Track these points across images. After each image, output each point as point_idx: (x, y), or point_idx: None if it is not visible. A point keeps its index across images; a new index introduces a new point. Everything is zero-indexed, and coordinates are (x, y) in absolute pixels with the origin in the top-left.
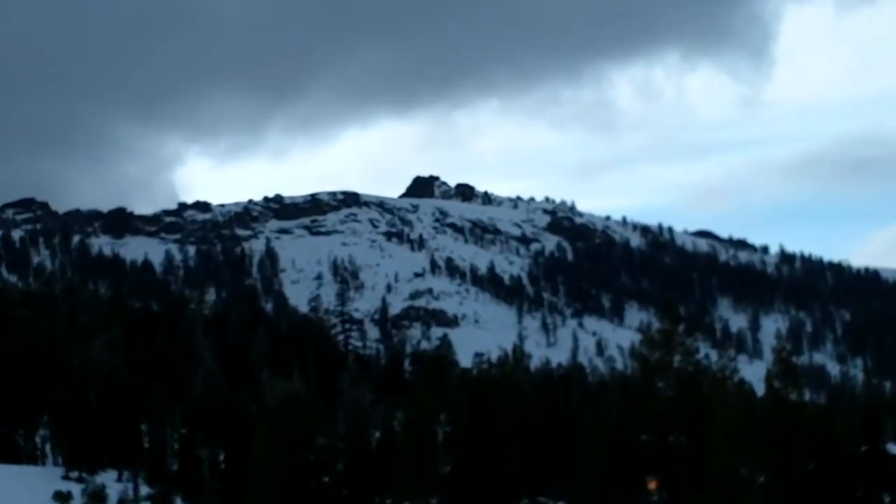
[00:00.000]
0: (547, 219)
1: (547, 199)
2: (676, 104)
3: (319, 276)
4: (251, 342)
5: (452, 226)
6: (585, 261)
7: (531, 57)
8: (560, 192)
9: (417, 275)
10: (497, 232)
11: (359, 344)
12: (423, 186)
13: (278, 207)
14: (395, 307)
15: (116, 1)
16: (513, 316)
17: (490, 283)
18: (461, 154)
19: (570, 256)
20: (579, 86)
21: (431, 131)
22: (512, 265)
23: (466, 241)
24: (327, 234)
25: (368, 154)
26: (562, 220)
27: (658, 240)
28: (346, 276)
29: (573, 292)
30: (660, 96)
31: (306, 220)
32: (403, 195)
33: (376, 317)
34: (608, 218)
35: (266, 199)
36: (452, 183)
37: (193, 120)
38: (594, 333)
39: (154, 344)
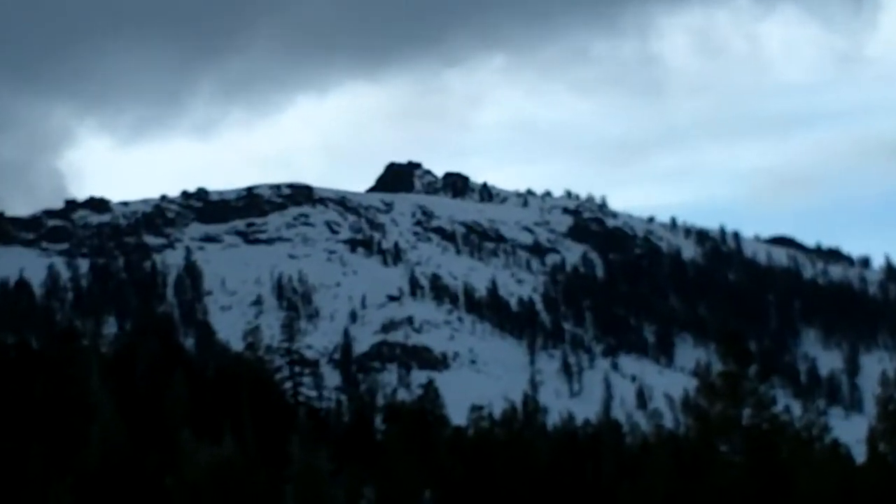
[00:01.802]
0: (568, 221)
1: (569, 194)
2: (747, 61)
3: (258, 301)
4: (166, 391)
5: (439, 231)
6: (621, 279)
7: None
8: (587, 184)
9: (392, 298)
10: (500, 239)
11: (313, 393)
12: (399, 177)
13: (202, 206)
14: (362, 343)
15: None
16: (522, 354)
17: (491, 309)
18: (452, 131)
19: (600, 273)
20: (616, 36)
21: (412, 100)
22: (521, 285)
23: (459, 251)
24: (269, 242)
25: (326, 132)
26: (589, 222)
27: (720, 249)
28: (294, 301)
29: (605, 322)
30: (725, 51)
31: (240, 224)
32: (373, 189)
33: (336, 356)
34: (652, 219)
35: (186, 194)
36: (439, 172)
37: (88, 86)
38: (633, 378)
39: (34, 393)
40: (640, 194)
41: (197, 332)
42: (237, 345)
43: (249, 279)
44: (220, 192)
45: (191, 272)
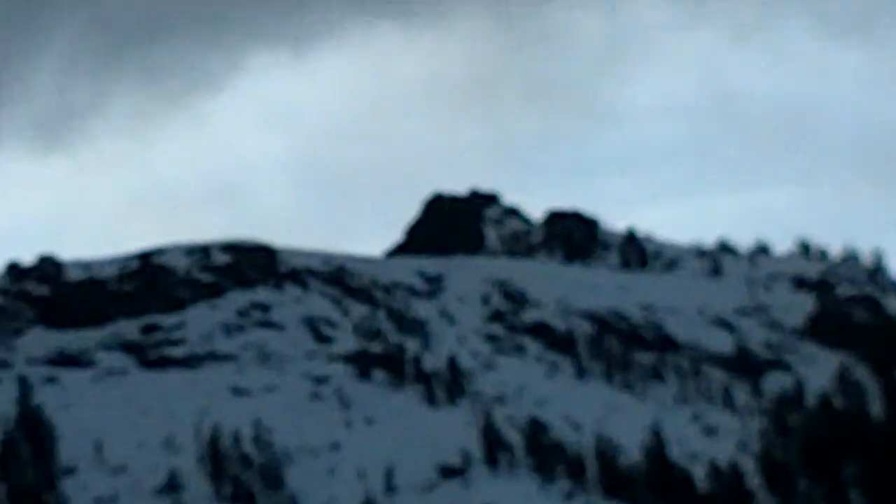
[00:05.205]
0: (807, 302)
1: (806, 248)
2: None
3: (173, 483)
4: None
5: (541, 332)
6: None
7: None
8: (846, 225)
9: (450, 472)
10: (666, 345)
11: None
12: (455, 222)
13: (51, 292)
14: None
15: None
16: None
17: (654, 489)
18: (569, 121)
19: (875, 407)
20: None
21: (484, 57)
22: (715, 439)
23: (581, 374)
24: (189, 364)
25: (304, 131)
26: (849, 305)
27: None
28: (247, 483)
29: None
30: None
31: (129, 328)
32: (402, 249)
33: None
34: None
35: (16, 270)
36: (537, 210)
37: None
38: None
39: None
40: None
41: None
42: None
43: (151, 440)
44: (86, 264)
45: (30, 428)
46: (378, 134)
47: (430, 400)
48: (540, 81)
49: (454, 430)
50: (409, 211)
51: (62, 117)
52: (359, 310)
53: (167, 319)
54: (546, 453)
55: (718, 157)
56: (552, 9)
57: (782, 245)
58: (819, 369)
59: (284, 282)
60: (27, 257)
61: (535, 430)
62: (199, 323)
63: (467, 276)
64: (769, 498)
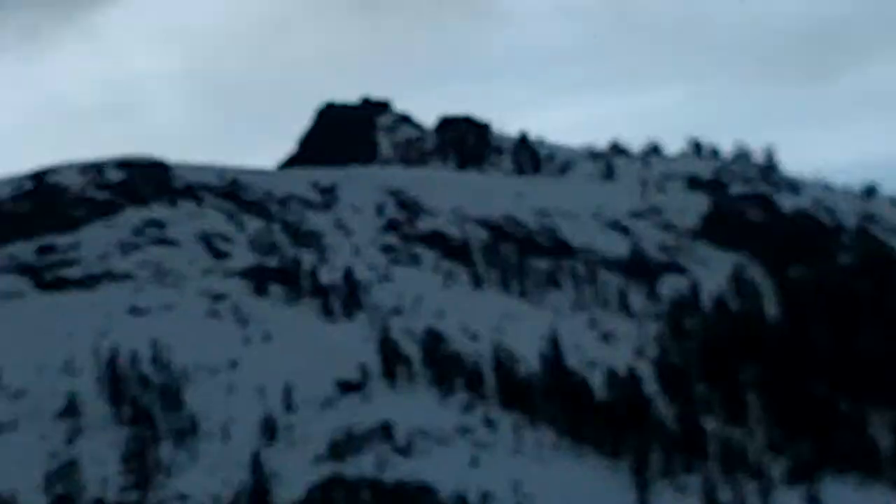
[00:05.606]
0: (701, 204)
1: (698, 147)
2: None
3: (72, 408)
4: None
5: (436, 241)
6: (815, 321)
7: None
8: (736, 125)
9: (348, 387)
10: (562, 250)
11: None
12: (347, 131)
13: None
14: (292, 481)
15: None
16: (621, 488)
17: (553, 398)
18: (461, 30)
19: (771, 310)
20: None
21: None
22: (611, 345)
23: (478, 282)
24: (86, 284)
25: (190, 43)
26: (744, 203)
27: None
28: (145, 404)
29: (787, 414)
30: None
31: (23, 250)
32: (294, 161)
33: None
34: (872, 190)
35: None
36: (429, 116)
37: None
38: None
39: None
40: (845, 141)
41: None
42: (34, 499)
43: (50, 364)
44: None
45: None
46: (268, 45)
47: (328, 314)
48: None
49: (352, 343)
50: (302, 121)
51: None
52: (254, 224)
53: (62, 240)
54: (444, 365)
55: (609, 58)
56: None
57: (674, 145)
58: (714, 271)
59: (179, 197)
60: None
61: (433, 342)
62: (94, 242)
63: (361, 186)
64: (667, 403)
